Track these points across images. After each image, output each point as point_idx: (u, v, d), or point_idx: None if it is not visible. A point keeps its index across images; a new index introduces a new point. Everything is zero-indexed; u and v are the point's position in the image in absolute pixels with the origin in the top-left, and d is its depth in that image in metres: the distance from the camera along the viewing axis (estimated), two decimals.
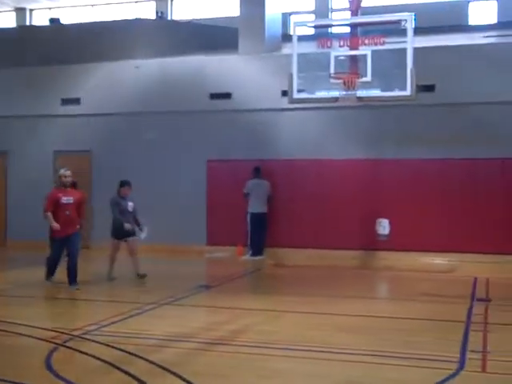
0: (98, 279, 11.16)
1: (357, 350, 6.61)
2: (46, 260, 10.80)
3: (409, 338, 7.15)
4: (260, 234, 13.42)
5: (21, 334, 7.31)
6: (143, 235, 10.87)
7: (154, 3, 21.72)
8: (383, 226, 12.92)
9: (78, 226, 10.39)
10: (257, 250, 13.46)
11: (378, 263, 12.77)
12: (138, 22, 16.51)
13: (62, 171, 10.55)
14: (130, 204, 11.02)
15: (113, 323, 7.91)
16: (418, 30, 10.80)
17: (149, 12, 21.49)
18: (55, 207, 10.21)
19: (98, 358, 6.45)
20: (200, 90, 14.27)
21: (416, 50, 10.38)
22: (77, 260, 10.34)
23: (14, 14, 22.46)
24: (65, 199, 10.27)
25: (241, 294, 10.01)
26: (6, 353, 6.66)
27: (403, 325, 7.96)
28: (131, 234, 10.91)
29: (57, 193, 10.43)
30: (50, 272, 10.66)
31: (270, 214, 13.49)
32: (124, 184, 11.11)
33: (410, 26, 10.63)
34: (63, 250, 10.41)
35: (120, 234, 10.87)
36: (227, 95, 14.19)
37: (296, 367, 6.22)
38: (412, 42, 10.57)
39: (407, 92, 10.73)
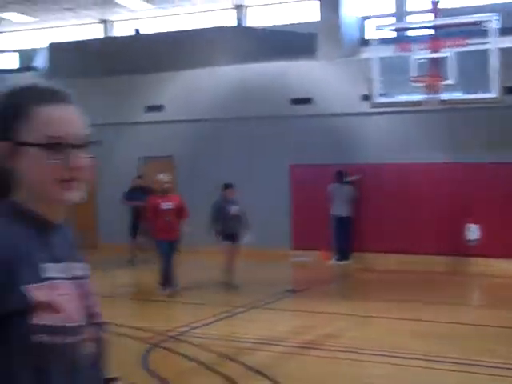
0: (190, 282, 11.04)
1: (448, 358, 6.54)
2: (160, 270, 10.28)
3: (501, 347, 7.03)
4: (345, 238, 13.36)
5: (118, 334, 7.57)
6: (246, 239, 10.60)
7: (233, 11, 22.01)
8: (472, 231, 12.66)
9: (179, 233, 10.19)
10: (343, 254, 13.37)
11: (468, 269, 12.42)
12: (217, 30, 16.77)
13: (160, 176, 10.41)
14: (235, 207, 10.65)
15: (204, 325, 8.10)
16: (499, 31, 10.54)
17: (227, 20, 21.80)
18: (155, 213, 10.04)
19: (192, 359, 6.65)
20: (281, 95, 14.39)
21: (500, 51, 10.16)
22: (171, 265, 10.21)
23: (99, 25, 23.24)
24: (164, 205, 10.07)
25: (328, 299, 9.98)
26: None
27: (492, 333, 7.78)
28: (236, 238, 10.61)
29: (156, 199, 10.28)
30: (167, 280, 10.19)
31: (356, 218, 13.43)
32: (227, 187, 10.76)
33: (493, 26, 10.45)
34: (170, 252, 10.11)
35: (227, 237, 10.54)
36: (307, 100, 14.26)
37: (386, 373, 6.25)
38: (496, 43, 10.38)
39: (493, 94, 10.54)
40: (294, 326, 8.37)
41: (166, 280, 10.15)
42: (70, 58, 17.16)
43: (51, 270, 1.54)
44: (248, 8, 22.14)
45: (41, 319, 1.47)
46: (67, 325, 1.51)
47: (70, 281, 1.59)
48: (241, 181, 14.44)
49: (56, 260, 1.57)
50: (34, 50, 21.67)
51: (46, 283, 1.51)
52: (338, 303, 9.67)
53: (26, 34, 24.85)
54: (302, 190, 14.02)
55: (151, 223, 10.17)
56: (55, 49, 17.94)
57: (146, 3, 20.83)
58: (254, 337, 7.52)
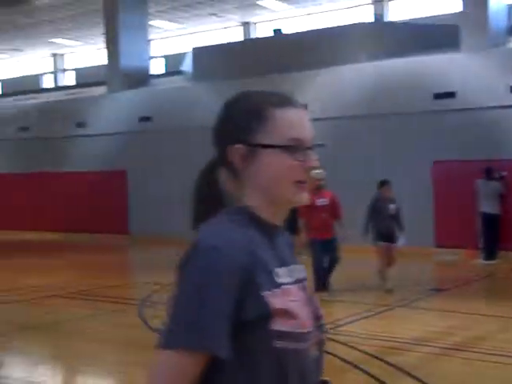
0: (338, 280, 10.36)
1: None
2: (313, 271, 9.82)
3: None
4: (492, 237, 12.86)
5: None
6: (401, 241, 10.04)
7: (371, 6, 21.81)
8: None
9: (334, 231, 9.78)
10: (490, 253, 12.89)
11: None
12: (357, 26, 16.71)
13: (314, 172, 10.18)
14: (392, 206, 10.11)
15: (348, 323, 8.15)
16: None
17: (366, 15, 21.64)
18: (309, 210, 9.54)
19: (337, 357, 6.70)
20: (423, 90, 14.10)
21: None
22: (332, 268, 9.87)
23: (240, 28, 23.90)
24: (319, 202, 9.72)
25: (475, 299, 9.68)
26: None
27: None
28: (392, 239, 10.07)
29: (310, 196, 9.95)
30: (322, 282, 9.75)
31: (504, 216, 12.89)
32: (383, 184, 10.30)
33: None
34: (324, 253, 9.75)
35: (382, 237, 10.06)
36: (451, 94, 13.86)
37: None
38: None
39: None
40: (439, 326, 8.19)
41: (319, 278, 9.86)
42: (213, 61, 17.77)
43: (282, 275, 1.53)
44: (388, 2, 21.83)
45: (277, 325, 1.46)
46: (300, 331, 1.49)
47: (296, 285, 1.56)
48: (382, 178, 14.31)
49: (284, 264, 1.56)
50: (178, 55, 22.69)
51: (281, 289, 1.49)
52: (485, 304, 9.36)
53: (171, 40, 26.06)
54: (446, 186, 13.67)
55: (306, 220, 9.85)
56: (199, 53, 18.66)
57: (286, 4, 21.14)
58: (399, 336, 7.47)
